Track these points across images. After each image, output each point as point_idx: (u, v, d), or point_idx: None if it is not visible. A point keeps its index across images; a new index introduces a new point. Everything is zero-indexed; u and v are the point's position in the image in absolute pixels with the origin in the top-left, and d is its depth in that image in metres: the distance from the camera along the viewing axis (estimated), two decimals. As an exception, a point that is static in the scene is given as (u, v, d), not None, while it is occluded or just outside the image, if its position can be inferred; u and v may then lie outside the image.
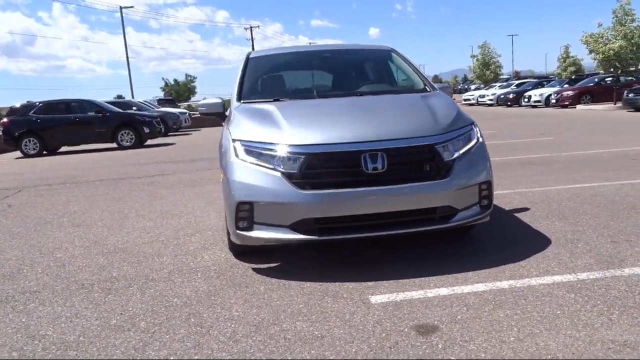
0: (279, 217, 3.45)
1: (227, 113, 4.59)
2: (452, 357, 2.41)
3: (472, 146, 3.73)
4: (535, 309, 2.87)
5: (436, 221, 3.57)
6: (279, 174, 3.42)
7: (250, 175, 3.50)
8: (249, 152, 3.58)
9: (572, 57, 45.00)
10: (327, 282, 3.45)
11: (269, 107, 4.06)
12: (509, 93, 33.26)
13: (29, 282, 3.86)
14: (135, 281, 3.73)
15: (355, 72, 5.15)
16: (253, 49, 56.75)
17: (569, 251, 3.80)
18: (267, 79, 4.98)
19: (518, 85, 34.66)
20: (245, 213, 3.52)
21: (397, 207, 3.45)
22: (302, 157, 3.41)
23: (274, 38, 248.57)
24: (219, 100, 4.68)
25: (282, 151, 3.46)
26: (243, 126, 3.81)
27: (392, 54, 5.20)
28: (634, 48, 22.72)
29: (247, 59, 4.95)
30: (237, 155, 3.61)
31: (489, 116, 22.91)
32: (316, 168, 3.41)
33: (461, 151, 3.64)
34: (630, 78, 26.23)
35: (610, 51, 22.56)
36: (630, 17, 22.79)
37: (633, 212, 4.80)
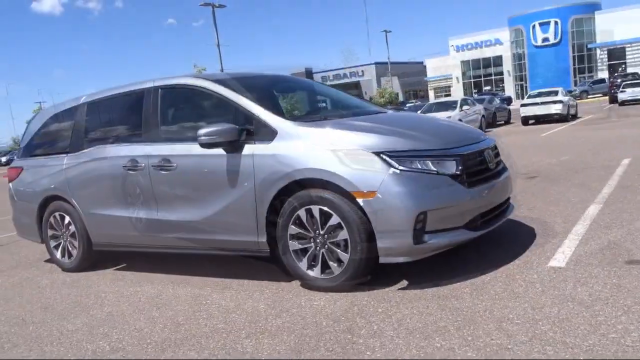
0: (453, 219, 3.28)
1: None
2: None
3: None
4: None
5: (509, 207, 3.90)
6: (447, 177, 3.27)
7: (418, 183, 3.21)
8: (401, 161, 3.25)
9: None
10: (474, 277, 3.27)
11: (347, 122, 3.81)
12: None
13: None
14: (244, 330, 2.85)
15: (319, 96, 5.25)
16: None
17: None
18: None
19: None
20: (419, 224, 3.17)
21: (506, 195, 3.80)
22: (457, 158, 3.36)
23: None
24: (233, 125, 3.60)
25: (438, 155, 3.34)
26: (371, 138, 3.41)
27: (314, 81, 5.32)
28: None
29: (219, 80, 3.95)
30: (391, 167, 3.22)
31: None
32: (468, 167, 3.41)
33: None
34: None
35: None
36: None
37: (580, 175, 5.96)
